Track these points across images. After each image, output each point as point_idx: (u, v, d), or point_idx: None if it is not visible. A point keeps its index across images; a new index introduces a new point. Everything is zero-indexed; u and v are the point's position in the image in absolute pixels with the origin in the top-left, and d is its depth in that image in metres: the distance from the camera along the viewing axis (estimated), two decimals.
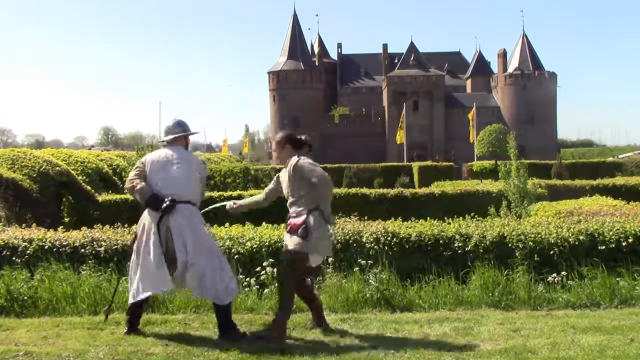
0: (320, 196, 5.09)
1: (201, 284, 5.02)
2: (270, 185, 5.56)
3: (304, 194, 5.09)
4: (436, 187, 18.51)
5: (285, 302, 5.13)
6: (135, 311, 5.20)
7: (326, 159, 60.23)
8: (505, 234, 6.80)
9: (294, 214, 5.11)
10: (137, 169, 5.27)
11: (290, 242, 5.04)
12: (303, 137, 5.34)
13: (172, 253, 5.00)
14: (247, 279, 6.40)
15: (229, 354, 4.58)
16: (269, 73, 75.89)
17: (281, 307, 5.15)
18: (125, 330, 5.16)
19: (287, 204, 5.24)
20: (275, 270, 6.30)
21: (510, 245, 6.69)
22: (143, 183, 5.13)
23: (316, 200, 5.08)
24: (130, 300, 5.13)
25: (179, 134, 5.43)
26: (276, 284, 5.99)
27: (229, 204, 5.70)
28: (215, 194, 15.83)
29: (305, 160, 5.13)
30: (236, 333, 5.05)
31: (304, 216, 5.02)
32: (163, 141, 5.52)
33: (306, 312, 5.84)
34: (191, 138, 5.61)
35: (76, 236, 6.98)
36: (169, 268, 5.00)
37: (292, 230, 5.04)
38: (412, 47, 77.89)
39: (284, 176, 5.29)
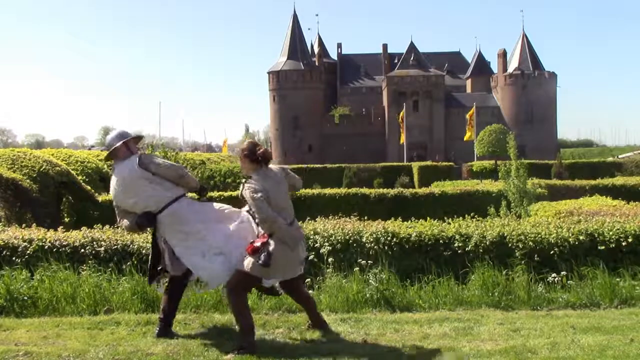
0: (257, 212, 4.75)
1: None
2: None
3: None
4: (436, 187, 18.53)
5: (243, 322, 4.81)
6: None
7: (326, 159, 60.32)
8: (505, 234, 6.80)
9: (257, 235, 4.87)
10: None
11: (248, 263, 4.75)
12: (260, 152, 4.93)
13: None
14: None
15: (229, 354, 4.58)
16: (269, 73, 75.82)
17: (242, 329, 4.81)
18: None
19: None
20: None
21: (510, 245, 6.69)
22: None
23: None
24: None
25: (115, 146, 5.08)
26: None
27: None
28: (215, 194, 15.84)
29: (251, 186, 4.79)
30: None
31: (264, 240, 4.73)
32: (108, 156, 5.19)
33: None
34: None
35: (76, 236, 6.98)
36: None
37: (252, 253, 4.72)
38: (412, 47, 77.79)
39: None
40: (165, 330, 5.06)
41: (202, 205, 5.20)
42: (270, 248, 4.72)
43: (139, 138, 5.31)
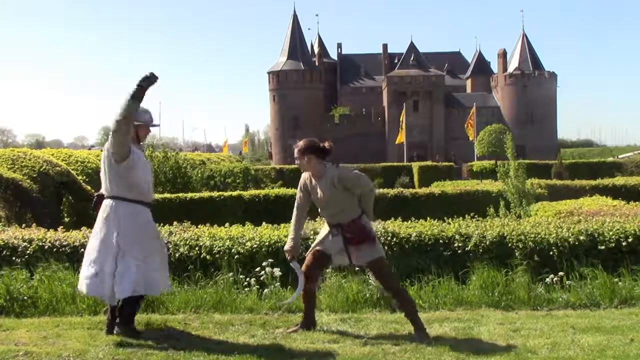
0: (365, 206, 5.05)
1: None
2: (298, 201, 5.26)
3: (349, 203, 4.98)
4: (436, 187, 18.53)
5: (408, 306, 5.06)
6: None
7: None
8: (505, 234, 6.80)
9: (347, 224, 4.97)
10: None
11: (372, 251, 4.97)
12: (326, 145, 5.07)
13: None
14: (247, 279, 6.40)
15: (229, 355, 4.58)
16: (269, 73, 75.83)
17: (412, 316, 5.04)
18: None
19: (328, 214, 5.07)
20: (274, 270, 6.30)
21: (510, 245, 6.69)
22: None
23: (360, 205, 5.03)
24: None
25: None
26: (383, 295, 5.91)
27: (288, 258, 5.28)
28: (215, 194, 15.84)
29: (346, 171, 5.03)
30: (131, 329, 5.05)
31: (362, 226, 4.96)
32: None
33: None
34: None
35: (76, 236, 6.98)
36: None
37: (363, 240, 4.94)
38: (412, 47, 77.81)
39: (319, 187, 5.04)
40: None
41: None
42: (371, 226, 5.09)
43: (146, 126, 5.14)
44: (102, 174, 5.04)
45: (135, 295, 4.93)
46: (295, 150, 5.07)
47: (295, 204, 5.29)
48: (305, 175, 5.19)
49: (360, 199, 5.02)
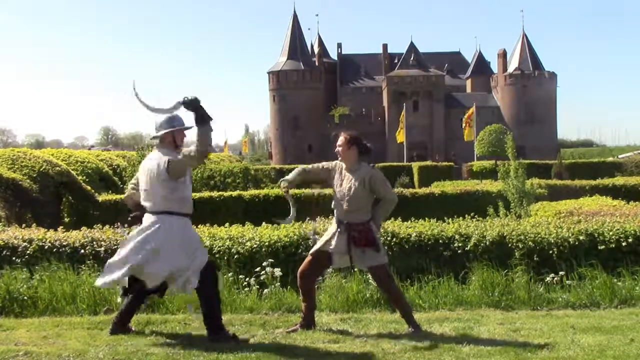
0: (383, 211, 5.16)
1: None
2: (317, 169, 5.40)
3: (368, 205, 5.10)
4: (436, 187, 18.53)
5: (405, 307, 5.21)
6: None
7: (326, 159, 60.16)
8: (505, 234, 6.80)
9: (356, 224, 5.05)
10: (135, 177, 5.22)
11: (376, 257, 5.07)
12: (369, 145, 5.23)
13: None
14: (247, 279, 6.40)
15: (229, 355, 4.58)
16: (269, 73, 75.84)
17: (407, 317, 5.18)
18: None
19: (342, 208, 5.10)
20: (274, 270, 6.30)
21: (510, 245, 6.69)
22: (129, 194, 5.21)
23: (373, 212, 5.13)
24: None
25: (166, 131, 4.86)
26: (383, 298, 5.97)
27: (283, 189, 5.36)
28: (215, 194, 15.84)
29: (379, 173, 5.14)
30: (225, 335, 4.96)
31: (371, 229, 5.06)
32: (153, 138, 4.96)
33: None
34: (187, 134, 5.02)
35: (76, 236, 6.99)
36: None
37: (367, 244, 5.02)
38: (412, 47, 77.83)
39: (347, 179, 5.11)
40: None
41: None
42: (377, 234, 5.13)
43: (182, 130, 5.01)
44: (145, 189, 4.88)
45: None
46: (341, 137, 5.16)
47: (313, 165, 5.50)
48: (338, 163, 5.28)
49: (379, 204, 5.13)
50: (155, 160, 4.84)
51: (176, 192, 4.80)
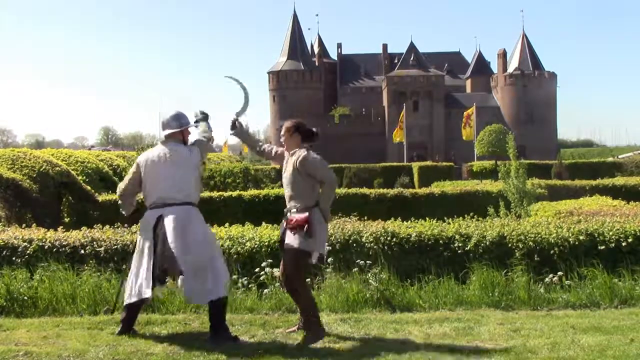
0: (324, 195, 5.03)
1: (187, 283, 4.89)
2: (271, 151, 5.50)
3: (307, 189, 5.00)
4: (436, 187, 18.53)
5: (307, 304, 5.01)
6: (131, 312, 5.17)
7: (326, 159, 60.01)
8: (505, 234, 6.80)
9: (294, 209, 5.00)
10: (131, 174, 5.19)
11: (295, 240, 4.90)
12: (314, 130, 5.24)
13: (170, 259, 4.85)
14: (247, 279, 6.40)
15: (229, 355, 4.58)
16: (269, 73, 75.87)
17: (304, 311, 5.00)
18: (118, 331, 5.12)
19: (286, 195, 5.13)
20: (274, 270, 6.29)
21: (510, 245, 6.69)
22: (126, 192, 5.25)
23: (317, 198, 5.02)
24: (127, 301, 5.09)
25: (175, 130, 5.14)
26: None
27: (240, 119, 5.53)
28: (215, 194, 15.83)
29: (316, 157, 5.04)
30: (227, 335, 4.95)
31: (307, 213, 4.92)
32: (168, 136, 5.20)
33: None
34: (192, 131, 5.33)
35: (76, 236, 6.98)
36: (159, 277, 4.95)
37: (296, 227, 4.89)
38: (412, 47, 77.87)
39: (287, 164, 5.15)
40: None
41: None
42: (314, 219, 4.92)
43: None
44: (173, 181, 4.98)
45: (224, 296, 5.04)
46: (284, 126, 5.19)
47: (271, 146, 5.58)
48: (286, 152, 5.28)
49: (321, 189, 5.04)
50: (180, 151, 5.08)
51: (199, 183, 5.15)
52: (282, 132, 5.22)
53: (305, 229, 4.86)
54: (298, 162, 4.99)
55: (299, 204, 4.99)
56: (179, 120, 5.18)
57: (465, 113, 43.79)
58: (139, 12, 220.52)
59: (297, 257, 4.94)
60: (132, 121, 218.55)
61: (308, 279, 6.38)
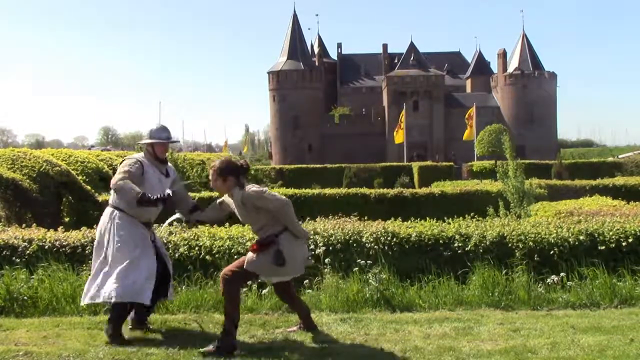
0: (284, 219, 4.79)
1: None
2: (220, 201, 5.23)
3: (265, 219, 4.81)
4: (436, 187, 18.51)
5: (231, 312, 4.81)
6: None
7: (326, 159, 60.30)
8: (505, 234, 6.80)
9: (263, 237, 4.82)
10: (134, 170, 5.13)
11: (251, 257, 4.75)
12: (241, 162, 4.95)
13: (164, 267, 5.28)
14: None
15: (229, 355, 4.58)
16: (269, 73, 75.84)
17: (226, 325, 4.78)
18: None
19: (252, 230, 5.01)
20: None
21: (510, 245, 6.69)
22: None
23: (281, 222, 4.81)
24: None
25: (165, 141, 5.35)
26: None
27: (176, 216, 5.42)
28: (215, 194, 15.82)
29: (250, 193, 4.78)
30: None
31: (273, 239, 4.74)
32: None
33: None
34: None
35: (76, 236, 6.98)
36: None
37: (259, 249, 4.73)
38: (412, 47, 77.85)
39: (233, 204, 4.99)
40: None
41: None
42: (282, 246, 4.73)
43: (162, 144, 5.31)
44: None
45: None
46: (211, 171, 4.95)
47: (222, 200, 5.22)
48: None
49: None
50: (170, 171, 5.44)
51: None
52: (210, 176, 4.98)
53: (274, 256, 4.70)
54: (240, 202, 4.82)
55: (266, 234, 4.82)
56: (167, 132, 5.35)
57: (467, 113, 43.82)
58: (139, 12, 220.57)
59: (235, 275, 4.82)
60: (132, 121, 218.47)
61: (307, 280, 6.40)
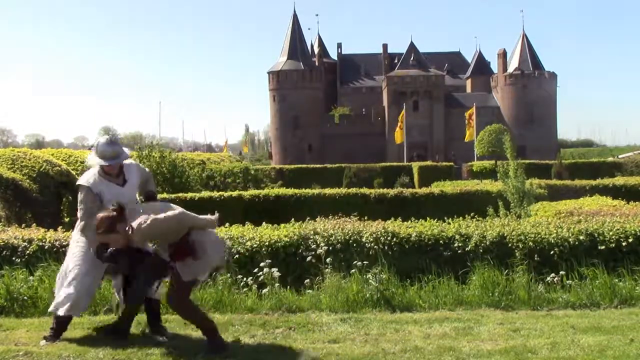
0: (187, 225, 4.70)
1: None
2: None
3: (173, 234, 4.69)
4: (436, 187, 18.52)
5: (203, 325, 4.78)
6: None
7: (326, 159, 60.30)
8: (505, 234, 6.80)
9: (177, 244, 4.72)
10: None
11: (182, 271, 4.66)
12: (117, 209, 4.70)
13: None
14: (247, 279, 6.39)
15: (229, 355, 4.58)
16: (269, 73, 75.79)
17: (209, 335, 4.74)
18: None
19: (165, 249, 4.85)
20: (273, 271, 6.29)
21: (510, 245, 6.69)
22: None
23: (179, 234, 4.70)
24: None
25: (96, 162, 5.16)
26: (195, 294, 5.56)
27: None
28: (215, 194, 15.83)
29: (143, 231, 4.56)
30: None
31: (186, 240, 4.67)
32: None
33: (306, 312, 5.84)
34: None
35: None
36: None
37: (181, 257, 4.64)
38: (412, 47, 77.78)
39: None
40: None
41: None
42: (193, 237, 4.68)
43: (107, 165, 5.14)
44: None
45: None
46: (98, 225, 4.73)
47: None
48: None
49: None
50: None
51: None
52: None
53: (191, 256, 4.65)
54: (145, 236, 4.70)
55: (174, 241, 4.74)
56: (111, 149, 5.12)
57: (467, 113, 43.81)
58: (139, 12, 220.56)
59: (184, 285, 4.73)
60: (132, 121, 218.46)
61: (307, 279, 6.40)
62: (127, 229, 4.62)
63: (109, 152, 5.04)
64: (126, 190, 5.14)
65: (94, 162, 5.07)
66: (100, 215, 4.72)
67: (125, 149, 5.21)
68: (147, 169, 5.58)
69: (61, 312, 4.93)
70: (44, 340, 4.93)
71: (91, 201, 5.03)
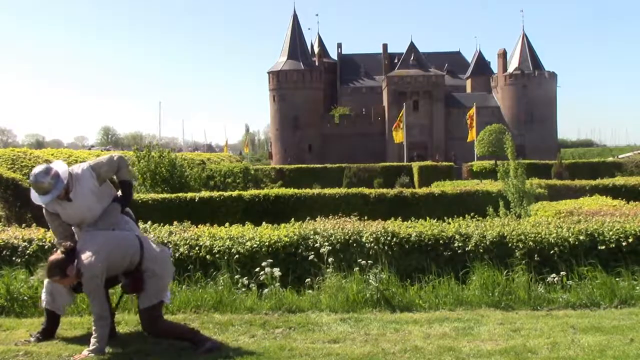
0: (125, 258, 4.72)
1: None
2: None
3: (122, 263, 4.73)
4: (436, 187, 18.50)
5: (187, 335, 4.81)
6: None
7: (326, 158, 60.27)
8: (505, 234, 6.80)
9: (129, 278, 4.77)
10: None
11: (148, 296, 4.72)
12: (67, 249, 4.66)
13: None
14: (247, 279, 6.40)
15: (229, 355, 4.58)
16: (269, 73, 75.80)
17: (195, 341, 4.75)
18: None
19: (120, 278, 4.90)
20: (274, 270, 6.29)
21: (510, 245, 6.69)
22: None
23: (132, 264, 4.75)
24: None
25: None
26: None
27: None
28: (215, 194, 15.82)
29: (81, 264, 4.54)
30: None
31: (137, 269, 4.73)
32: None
33: (306, 312, 5.84)
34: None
35: None
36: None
37: (139, 284, 4.72)
38: (412, 47, 77.78)
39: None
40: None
41: None
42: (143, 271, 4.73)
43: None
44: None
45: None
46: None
47: None
48: None
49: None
50: None
51: None
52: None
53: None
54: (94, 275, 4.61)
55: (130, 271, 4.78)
56: (40, 183, 4.75)
57: (468, 114, 43.80)
58: (139, 11, 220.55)
59: (157, 306, 4.80)
60: (132, 121, 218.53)
61: (308, 279, 6.40)
62: (74, 272, 4.59)
63: (41, 187, 4.75)
64: (77, 202, 4.92)
65: (33, 197, 4.93)
66: (51, 260, 4.66)
67: (62, 173, 4.80)
68: (109, 160, 5.24)
69: (43, 304, 5.09)
70: (32, 337, 4.98)
71: (52, 220, 5.12)
